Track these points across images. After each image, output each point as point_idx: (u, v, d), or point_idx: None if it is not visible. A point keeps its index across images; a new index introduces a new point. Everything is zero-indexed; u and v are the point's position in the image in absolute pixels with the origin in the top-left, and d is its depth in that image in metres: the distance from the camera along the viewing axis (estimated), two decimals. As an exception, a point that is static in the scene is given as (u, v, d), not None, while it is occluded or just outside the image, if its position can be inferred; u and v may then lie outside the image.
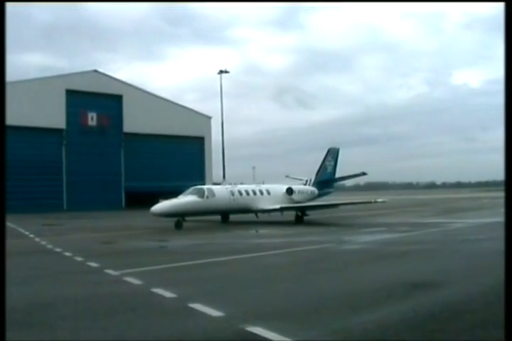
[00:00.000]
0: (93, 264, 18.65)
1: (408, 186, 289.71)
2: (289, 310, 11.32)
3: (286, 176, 55.86)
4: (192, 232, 34.41)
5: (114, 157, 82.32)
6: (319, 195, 52.05)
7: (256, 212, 43.52)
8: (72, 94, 78.77)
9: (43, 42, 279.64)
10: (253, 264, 19.27)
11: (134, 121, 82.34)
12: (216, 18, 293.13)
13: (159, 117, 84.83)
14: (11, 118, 70.78)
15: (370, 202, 44.51)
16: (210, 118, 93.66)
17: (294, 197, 46.29)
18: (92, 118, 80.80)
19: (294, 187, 47.57)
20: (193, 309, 11.21)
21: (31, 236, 32.26)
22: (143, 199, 78.05)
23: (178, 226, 36.88)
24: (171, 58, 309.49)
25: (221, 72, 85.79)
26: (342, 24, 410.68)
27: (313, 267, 17.84)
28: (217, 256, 21.03)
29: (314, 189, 50.66)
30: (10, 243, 29.18)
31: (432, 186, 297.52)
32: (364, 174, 51.29)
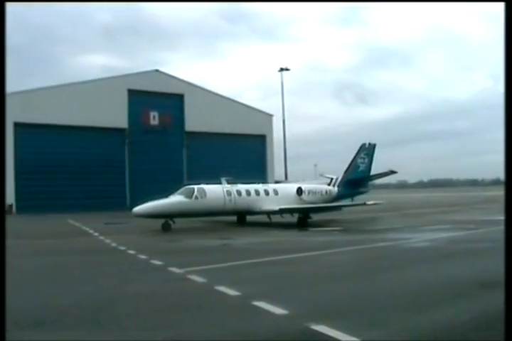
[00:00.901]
0: (157, 262, 18.76)
1: (473, 183, 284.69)
2: (353, 308, 11.17)
3: (321, 175, 52.02)
4: (254, 231, 34.41)
5: (176, 156, 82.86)
6: (348, 196, 47.92)
7: (257, 213, 40.05)
8: (134, 94, 79.48)
9: (104, 43, 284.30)
10: (316, 262, 19.14)
11: (195, 120, 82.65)
12: (275, 16, 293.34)
13: (221, 116, 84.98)
14: (76, 119, 72.26)
15: (362, 205, 39.30)
16: (271, 116, 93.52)
17: (304, 197, 42.14)
18: (154, 118, 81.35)
19: (305, 186, 43.35)
20: (257, 307, 11.17)
21: (95, 234, 32.62)
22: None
23: (166, 227, 34.90)
24: (231, 56, 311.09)
25: (282, 69, 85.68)
26: (403, 20, 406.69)
27: (378, 265, 17.63)
28: (281, 254, 20.97)
29: (332, 189, 45.43)
30: (75, 241, 29.83)
31: (497, 183, 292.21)
32: (393, 172, 47.50)
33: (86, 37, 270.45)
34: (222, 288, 13.17)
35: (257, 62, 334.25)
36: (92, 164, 72.28)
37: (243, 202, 38.36)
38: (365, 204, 37.61)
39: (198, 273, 15.68)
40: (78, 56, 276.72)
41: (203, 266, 17.28)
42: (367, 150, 49.33)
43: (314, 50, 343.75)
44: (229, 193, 37.96)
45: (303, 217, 38.44)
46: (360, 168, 48.75)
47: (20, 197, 67.87)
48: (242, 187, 39.68)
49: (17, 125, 69.11)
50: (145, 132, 79.81)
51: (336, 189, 45.86)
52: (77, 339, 9.53)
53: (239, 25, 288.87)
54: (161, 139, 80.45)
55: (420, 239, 26.11)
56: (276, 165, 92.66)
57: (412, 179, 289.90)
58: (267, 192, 40.41)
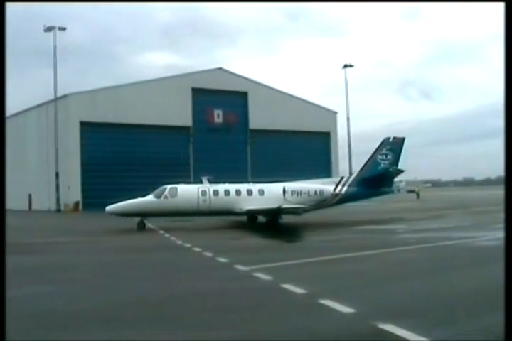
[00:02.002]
0: (222, 260, 18.85)
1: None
2: (420, 307, 11.06)
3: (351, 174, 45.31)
4: (317, 229, 34.32)
5: (240, 153, 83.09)
6: (363, 196, 42.49)
7: (237, 214, 37.80)
8: (198, 92, 79.92)
9: (165, 42, 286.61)
10: (382, 260, 19.01)
11: (259, 118, 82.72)
12: (336, 12, 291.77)
13: (284, 113, 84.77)
14: (140, 117, 73.01)
15: (300, 209, 34.89)
16: (335, 113, 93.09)
17: (288, 198, 37.55)
18: (218, 116, 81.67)
19: (289, 186, 38.73)
20: (323, 305, 11.13)
21: (161, 232, 32.95)
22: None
23: (140, 226, 35.52)
24: (292, 53, 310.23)
25: (345, 66, 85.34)
26: (469, 14, 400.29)
27: (444, 264, 17.43)
28: (346, 251, 20.90)
29: (325, 189, 38.89)
30: (141, 238, 30.26)
31: None
32: (400, 171, 43.12)
33: (147, 36, 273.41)
34: (288, 286, 13.16)
35: (319, 59, 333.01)
36: (157, 162, 72.86)
37: (220, 202, 36.72)
38: (303, 209, 34.47)
39: (264, 270, 15.70)
40: (140, 55, 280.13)
41: (269, 264, 17.29)
42: (390, 146, 42.23)
43: (377, 45, 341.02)
44: (204, 193, 36.92)
45: (270, 220, 36.16)
46: (382, 166, 41.78)
47: (87, 194, 68.97)
48: (222, 187, 38.13)
49: (83, 124, 70.42)
50: (209, 130, 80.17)
51: (330, 189, 39.10)
52: (143, 336, 9.63)
53: (299, 21, 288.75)
54: (225, 137, 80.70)
55: (488, 237, 25.60)
56: (340, 162, 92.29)
57: (478, 176, 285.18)
58: (249, 192, 38.03)
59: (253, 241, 27.58)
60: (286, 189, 37.76)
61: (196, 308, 11.49)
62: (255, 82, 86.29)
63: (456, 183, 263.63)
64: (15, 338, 9.31)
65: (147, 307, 11.75)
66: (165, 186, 37.15)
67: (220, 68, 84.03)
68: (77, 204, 68.71)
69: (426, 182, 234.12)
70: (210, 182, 39.10)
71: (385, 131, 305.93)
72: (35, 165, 79.49)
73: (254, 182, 40.30)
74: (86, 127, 70.67)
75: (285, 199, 37.04)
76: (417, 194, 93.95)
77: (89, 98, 71.63)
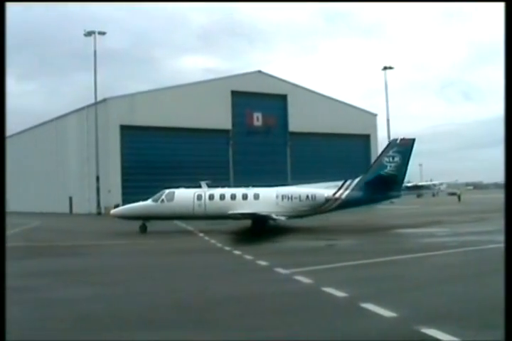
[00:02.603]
0: (262, 263, 18.86)
1: None
2: (463, 311, 10.90)
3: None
4: (359, 232, 34.15)
5: (280, 156, 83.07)
6: (368, 201, 39.89)
7: (231, 218, 36.39)
8: (237, 95, 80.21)
9: (202, 45, 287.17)
10: (422, 264, 18.86)
11: (298, 120, 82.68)
12: (375, 14, 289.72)
13: (324, 115, 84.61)
14: (180, 121, 73.32)
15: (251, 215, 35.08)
16: (375, 115, 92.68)
17: (279, 202, 37.04)
18: (257, 119, 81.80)
19: (280, 190, 38.39)
20: (365, 309, 11.06)
21: (200, 234, 33.12)
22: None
23: (142, 229, 36.53)
24: (329, 55, 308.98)
25: (385, 68, 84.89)
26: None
27: (488, 267, 17.11)
28: (385, 255, 20.81)
29: (319, 193, 37.14)
30: (182, 241, 30.37)
31: None
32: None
33: (184, 39, 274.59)
34: (329, 290, 13.10)
35: (357, 61, 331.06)
36: (197, 165, 72.96)
37: (215, 206, 36.63)
38: (254, 214, 34.32)
39: (304, 273, 15.64)
40: (177, 58, 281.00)
41: (309, 267, 17.24)
42: (397, 147, 39.20)
43: (417, 47, 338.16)
44: (199, 197, 37.14)
45: (253, 225, 36.37)
46: (388, 168, 38.59)
47: (127, 197, 69.28)
48: (219, 191, 38.22)
49: (123, 128, 71.00)
50: (249, 133, 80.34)
51: (323, 194, 37.13)
52: (184, 339, 9.65)
53: (336, 23, 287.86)
54: (264, 140, 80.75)
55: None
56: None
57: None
58: (244, 197, 37.51)
59: (292, 243, 27.55)
60: (277, 193, 37.42)
61: (237, 311, 11.53)
62: (294, 85, 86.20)
63: (497, 185, 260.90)
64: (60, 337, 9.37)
65: (188, 310, 11.82)
66: (164, 190, 37.96)
67: (260, 71, 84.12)
68: (117, 207, 69.15)
69: (467, 184, 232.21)
70: (209, 186, 39.18)
71: (425, 133, 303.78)
72: (75, 169, 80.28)
73: (281, 185, 39.68)
74: (126, 131, 71.29)
75: (277, 204, 36.86)
76: (459, 196, 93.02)
77: (129, 102, 72.19)
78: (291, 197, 37.06)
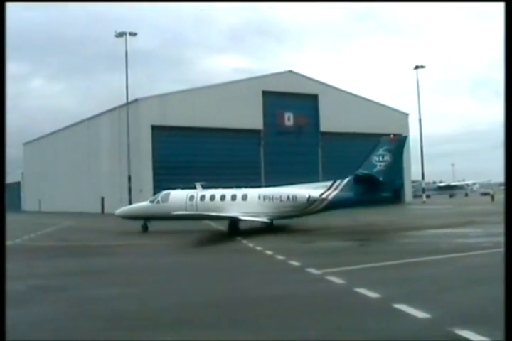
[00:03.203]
0: (294, 263, 18.77)
1: None
2: (498, 313, 10.68)
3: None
4: (390, 232, 33.96)
5: (311, 156, 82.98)
6: (357, 202, 37.75)
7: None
8: (268, 95, 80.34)
9: (232, 45, 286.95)
10: (456, 265, 18.68)
11: (330, 120, 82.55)
12: (406, 13, 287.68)
13: (355, 115, 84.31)
14: (211, 121, 73.47)
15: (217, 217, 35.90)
16: (407, 114, 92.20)
17: (261, 203, 36.75)
18: (288, 119, 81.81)
19: (263, 190, 38.86)
20: (398, 310, 10.96)
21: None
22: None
23: (144, 229, 37.70)
24: (359, 54, 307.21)
25: (417, 67, 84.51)
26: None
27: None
28: (418, 255, 20.64)
29: (300, 194, 36.00)
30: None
31: None
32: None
33: (214, 39, 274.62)
34: (361, 290, 13.01)
35: (388, 60, 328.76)
36: (228, 165, 73.16)
37: (205, 207, 36.69)
38: (226, 217, 34.82)
39: (337, 274, 15.55)
40: (208, 58, 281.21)
41: (341, 268, 17.16)
42: (388, 146, 37.32)
43: (448, 45, 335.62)
44: (191, 198, 37.79)
45: (229, 226, 35.19)
46: (377, 168, 36.62)
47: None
48: (210, 192, 38.69)
49: (154, 128, 71.46)
50: (280, 133, 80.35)
51: (305, 194, 35.84)
52: (216, 338, 9.64)
53: (366, 22, 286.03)
54: (295, 140, 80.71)
55: None
56: (412, 164, 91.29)
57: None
58: (233, 198, 37.53)
59: (323, 243, 27.50)
60: (259, 194, 37.29)
61: (269, 312, 11.49)
62: (325, 84, 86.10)
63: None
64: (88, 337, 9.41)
65: (221, 310, 11.82)
66: (162, 191, 39.50)
67: (291, 71, 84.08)
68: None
69: (501, 184, 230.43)
70: (204, 187, 40.12)
71: (457, 132, 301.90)
72: (107, 169, 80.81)
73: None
74: (157, 131, 71.74)
75: (260, 205, 36.59)
76: (492, 197, 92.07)
77: (160, 102, 72.59)
78: (273, 197, 36.69)
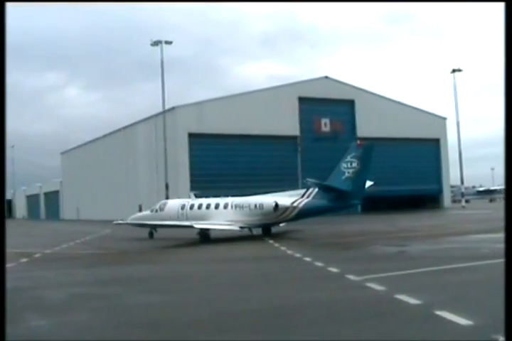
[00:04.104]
0: (333, 269, 18.67)
1: None
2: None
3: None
4: (430, 238, 33.66)
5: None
6: (328, 209, 37.09)
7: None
8: (304, 101, 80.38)
9: (265, 51, 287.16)
10: (496, 271, 18.29)
11: (366, 126, 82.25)
12: (440, 15, 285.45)
13: (392, 120, 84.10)
14: (248, 128, 73.61)
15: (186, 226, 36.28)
16: (445, 119, 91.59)
17: (233, 212, 37.19)
18: (325, 125, 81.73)
19: (233, 199, 38.59)
20: (440, 316, 10.82)
21: (270, 241, 32.98)
22: (379, 204, 77.63)
23: (150, 236, 39.55)
24: (394, 58, 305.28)
25: (454, 70, 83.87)
26: None
27: None
28: (458, 261, 20.42)
29: (266, 203, 36.04)
30: (252, 247, 30.56)
31: None
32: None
33: (247, 46, 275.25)
34: (402, 297, 12.89)
35: (423, 63, 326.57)
36: (265, 172, 73.28)
37: (193, 215, 38.29)
38: (192, 226, 35.09)
39: (376, 280, 15.42)
40: (242, 65, 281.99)
41: (381, 274, 17.06)
42: (355, 152, 36.50)
43: (484, 48, 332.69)
44: (183, 207, 39.57)
45: (199, 234, 35.72)
46: (346, 175, 36.01)
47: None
48: (199, 201, 40.25)
49: (191, 136, 71.80)
50: (317, 139, 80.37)
51: (271, 203, 35.59)
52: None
53: (400, 25, 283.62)
54: (332, 146, 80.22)
55: None
56: (450, 169, 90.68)
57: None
58: (217, 206, 38.29)
59: (362, 250, 27.47)
60: (231, 203, 37.87)
61: (309, 318, 11.44)
62: (361, 89, 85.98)
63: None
64: None
65: (261, 317, 11.81)
66: (161, 201, 41.88)
67: (327, 77, 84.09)
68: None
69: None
70: (197, 196, 42.54)
71: (495, 136, 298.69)
72: (145, 177, 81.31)
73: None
74: (194, 138, 72.09)
75: (234, 214, 37.10)
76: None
77: (196, 110, 72.98)
78: (242, 206, 37.15)
